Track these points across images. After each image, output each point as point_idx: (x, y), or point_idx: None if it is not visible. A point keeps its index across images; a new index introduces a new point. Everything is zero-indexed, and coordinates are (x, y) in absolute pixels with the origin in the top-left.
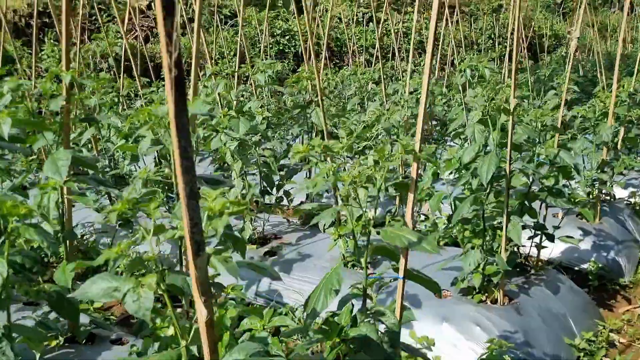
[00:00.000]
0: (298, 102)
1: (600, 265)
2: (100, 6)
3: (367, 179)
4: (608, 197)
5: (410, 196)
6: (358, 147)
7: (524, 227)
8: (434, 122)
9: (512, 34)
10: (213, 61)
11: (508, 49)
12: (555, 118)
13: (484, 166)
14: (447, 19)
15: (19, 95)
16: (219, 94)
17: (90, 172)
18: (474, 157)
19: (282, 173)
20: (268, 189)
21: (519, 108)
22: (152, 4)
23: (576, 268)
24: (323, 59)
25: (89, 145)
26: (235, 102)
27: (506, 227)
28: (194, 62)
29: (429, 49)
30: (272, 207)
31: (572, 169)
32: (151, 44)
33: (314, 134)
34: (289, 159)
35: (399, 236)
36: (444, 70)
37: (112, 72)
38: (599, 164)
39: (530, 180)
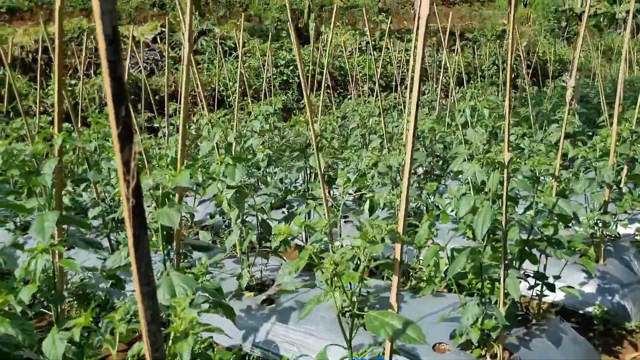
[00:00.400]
0: (296, 144)
1: (605, 309)
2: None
3: (352, 258)
4: (612, 236)
5: (395, 278)
6: (355, 195)
7: (526, 276)
8: (436, 158)
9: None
10: (217, 93)
11: (508, 94)
12: (554, 165)
13: (479, 219)
14: (450, 46)
15: (11, 156)
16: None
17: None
18: (470, 209)
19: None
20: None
21: (515, 158)
22: (158, 37)
23: (581, 312)
24: (324, 89)
25: (89, 188)
26: (234, 143)
27: (504, 280)
28: (182, 130)
29: (413, 105)
30: (271, 253)
31: (572, 217)
32: (156, 77)
33: (312, 177)
34: (292, 195)
35: (383, 324)
36: (447, 97)
37: None
38: (602, 205)
39: (529, 229)
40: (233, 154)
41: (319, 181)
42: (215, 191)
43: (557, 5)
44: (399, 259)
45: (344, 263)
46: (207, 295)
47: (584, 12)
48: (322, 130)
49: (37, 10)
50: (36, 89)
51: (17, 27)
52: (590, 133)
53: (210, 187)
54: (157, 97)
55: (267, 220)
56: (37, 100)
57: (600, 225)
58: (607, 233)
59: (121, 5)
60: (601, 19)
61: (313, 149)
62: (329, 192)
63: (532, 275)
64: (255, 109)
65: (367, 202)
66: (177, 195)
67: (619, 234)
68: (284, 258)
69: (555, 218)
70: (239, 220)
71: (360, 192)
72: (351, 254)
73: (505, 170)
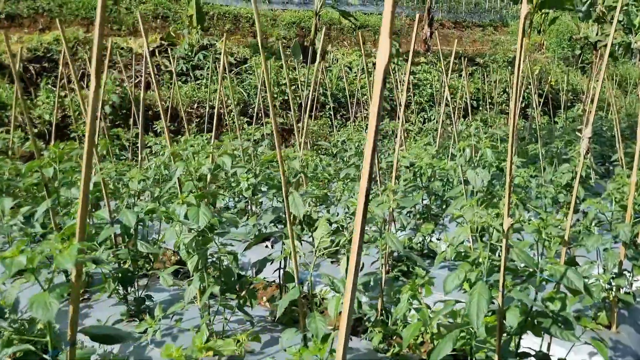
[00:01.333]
0: (275, 179)
1: None
2: (102, 51)
3: None
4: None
5: None
6: (330, 250)
7: (525, 356)
8: (434, 196)
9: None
10: (208, 109)
11: (510, 141)
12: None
13: (472, 305)
14: (459, 71)
15: None
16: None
17: None
18: (458, 285)
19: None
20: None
21: (519, 216)
22: (156, 50)
23: None
24: (307, 115)
25: (46, 220)
26: (209, 177)
27: None
28: (83, 180)
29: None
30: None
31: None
32: (152, 91)
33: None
34: (276, 227)
35: None
36: (454, 124)
37: (107, 120)
38: (616, 264)
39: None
40: (207, 187)
41: (290, 230)
42: (174, 237)
43: (572, 32)
44: None
45: None
46: None
47: (599, 40)
48: (303, 166)
49: (38, 18)
50: (25, 99)
51: (12, 34)
52: (603, 169)
53: (168, 232)
54: (150, 113)
55: (233, 268)
56: (13, 113)
57: (613, 287)
58: (621, 297)
59: (123, 16)
60: (616, 48)
61: (285, 193)
62: (311, 235)
63: (533, 355)
64: (226, 143)
65: (343, 260)
66: (73, 270)
67: (634, 296)
68: (249, 314)
69: (563, 291)
70: (201, 268)
71: (336, 249)
72: None
73: (505, 240)
